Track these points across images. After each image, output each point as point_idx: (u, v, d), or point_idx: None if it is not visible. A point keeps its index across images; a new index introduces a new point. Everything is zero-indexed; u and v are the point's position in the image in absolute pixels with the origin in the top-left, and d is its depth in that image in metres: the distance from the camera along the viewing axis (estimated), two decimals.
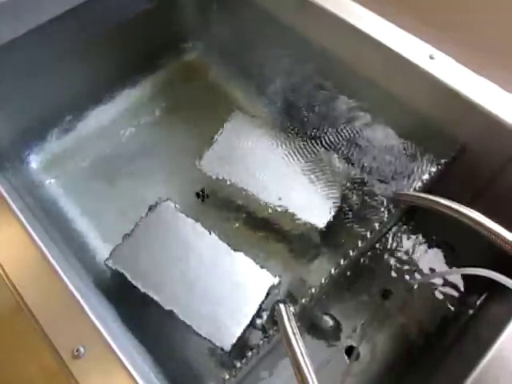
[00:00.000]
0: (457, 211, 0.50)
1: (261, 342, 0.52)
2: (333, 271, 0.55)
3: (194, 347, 0.60)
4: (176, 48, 0.94)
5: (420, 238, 0.76)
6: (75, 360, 0.45)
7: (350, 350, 0.67)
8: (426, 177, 0.61)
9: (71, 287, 0.48)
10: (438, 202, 0.53)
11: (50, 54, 0.75)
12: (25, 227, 0.52)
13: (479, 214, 0.49)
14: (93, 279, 0.66)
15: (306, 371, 0.40)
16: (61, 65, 0.78)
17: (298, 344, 0.43)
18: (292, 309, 0.53)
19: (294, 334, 0.45)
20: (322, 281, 0.55)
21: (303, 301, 0.54)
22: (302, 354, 0.42)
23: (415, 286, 0.60)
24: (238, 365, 0.51)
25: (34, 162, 0.82)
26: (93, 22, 0.78)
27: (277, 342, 0.57)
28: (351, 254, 0.56)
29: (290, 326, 0.46)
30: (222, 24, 0.89)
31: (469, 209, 0.50)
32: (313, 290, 0.54)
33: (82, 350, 0.45)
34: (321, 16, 0.69)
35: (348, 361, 0.66)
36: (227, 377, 0.51)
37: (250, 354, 0.52)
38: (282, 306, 0.52)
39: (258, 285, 0.60)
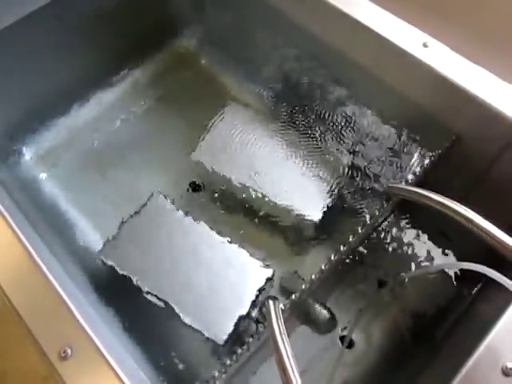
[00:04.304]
0: (448, 207, 0.49)
1: (251, 340, 0.52)
2: (324, 267, 0.55)
3: (185, 343, 0.60)
4: (168, 37, 0.93)
5: (416, 227, 0.75)
6: (62, 361, 0.45)
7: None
8: (418, 169, 0.60)
9: (58, 287, 0.48)
10: (429, 197, 0.52)
11: (38, 46, 0.74)
12: (10, 225, 0.51)
13: (470, 211, 0.48)
14: (86, 274, 0.66)
15: (290, 373, 0.40)
16: (50, 56, 0.77)
17: (285, 345, 0.43)
18: (282, 305, 0.53)
19: (280, 334, 0.44)
20: (313, 277, 0.54)
21: (293, 297, 0.54)
22: (287, 355, 0.42)
23: (406, 280, 0.60)
24: (228, 362, 0.51)
25: (26, 156, 0.81)
26: (82, 10, 0.77)
27: (267, 338, 0.57)
28: (342, 249, 0.56)
29: (278, 326, 0.46)
30: (214, 12, 0.87)
31: (460, 205, 0.49)
32: (303, 286, 0.54)
33: (69, 351, 0.45)
34: (314, 3, 0.67)
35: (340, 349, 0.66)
36: (217, 374, 0.51)
37: (240, 351, 0.52)
38: (271, 303, 0.52)
39: (252, 278, 0.60)
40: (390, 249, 0.73)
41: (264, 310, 0.53)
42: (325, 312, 0.69)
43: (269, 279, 0.60)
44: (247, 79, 0.87)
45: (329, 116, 0.72)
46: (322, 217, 0.66)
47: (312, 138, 0.71)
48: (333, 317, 0.69)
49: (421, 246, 0.74)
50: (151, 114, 0.87)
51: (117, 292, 0.63)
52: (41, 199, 0.77)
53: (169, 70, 0.91)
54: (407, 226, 0.75)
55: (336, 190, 0.67)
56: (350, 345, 0.67)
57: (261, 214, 0.72)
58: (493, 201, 0.58)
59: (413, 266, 0.72)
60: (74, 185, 0.80)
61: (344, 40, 0.68)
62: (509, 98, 0.56)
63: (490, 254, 0.48)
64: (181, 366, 0.59)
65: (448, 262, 0.71)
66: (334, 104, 0.72)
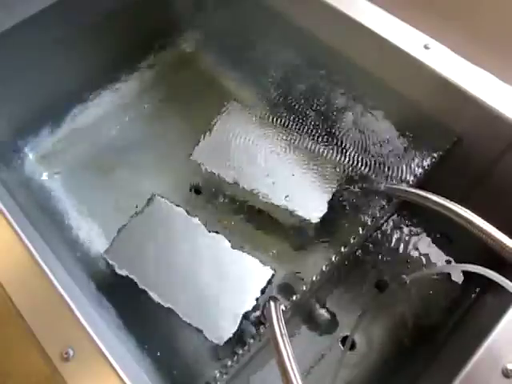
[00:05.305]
0: (447, 208, 0.49)
1: (252, 341, 0.52)
2: (324, 268, 0.55)
3: (186, 344, 0.60)
4: (169, 39, 0.93)
5: (417, 228, 0.75)
6: (64, 362, 0.45)
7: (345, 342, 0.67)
8: (419, 170, 0.60)
9: (60, 288, 0.48)
10: (429, 199, 0.52)
11: (41, 47, 0.74)
12: (12, 226, 0.52)
13: (470, 213, 0.48)
14: (87, 274, 0.66)
15: (291, 374, 0.40)
16: (53, 58, 0.77)
17: (286, 346, 0.43)
18: (283, 306, 0.53)
19: (281, 335, 0.45)
20: (314, 278, 0.55)
21: (294, 298, 0.54)
22: (288, 356, 0.42)
23: (407, 281, 0.60)
24: (229, 363, 0.51)
25: (28, 156, 0.82)
26: (84, 12, 0.77)
27: (269, 339, 0.57)
28: (343, 250, 0.56)
29: (279, 327, 0.46)
30: (216, 14, 0.87)
31: (460, 206, 0.49)
32: (304, 287, 0.54)
33: (71, 352, 0.45)
34: (314, 5, 0.67)
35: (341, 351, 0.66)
36: (218, 375, 0.51)
37: (241, 351, 0.52)
38: (272, 303, 0.52)
39: (253, 279, 0.60)
40: (391, 250, 0.74)
41: (265, 310, 0.53)
42: (326, 313, 0.69)
43: (270, 280, 0.60)
44: (248, 80, 0.87)
45: (329, 117, 0.72)
46: (323, 218, 0.66)
47: (312, 138, 0.71)
48: (334, 318, 0.69)
49: (421, 247, 0.74)
50: (152, 115, 0.87)
51: (118, 293, 0.63)
52: (43, 199, 0.77)
53: (170, 71, 0.92)
54: (408, 227, 0.75)
55: (337, 191, 0.67)
56: (352, 346, 0.67)
57: (261, 215, 0.72)
58: (493, 202, 0.59)
59: (413, 267, 0.72)
60: (76, 185, 0.80)
61: (345, 42, 0.68)
62: (510, 100, 0.56)
63: (491, 255, 0.48)
64: (182, 367, 0.59)
65: (449, 264, 0.71)
66: (335, 105, 0.72)
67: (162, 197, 0.67)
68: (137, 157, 0.82)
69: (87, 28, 0.79)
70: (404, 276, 0.59)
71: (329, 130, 0.71)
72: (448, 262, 0.73)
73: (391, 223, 0.76)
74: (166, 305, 0.59)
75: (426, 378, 0.57)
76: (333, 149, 0.69)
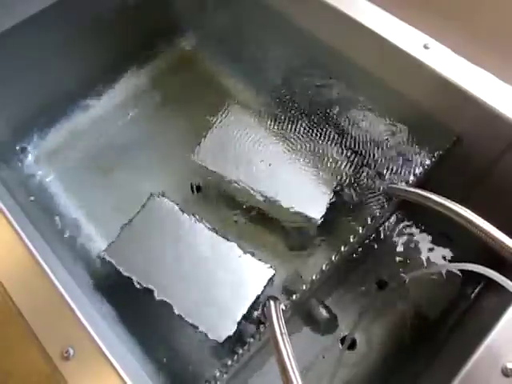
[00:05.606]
0: (448, 208, 0.49)
1: (252, 340, 0.52)
2: (324, 267, 0.55)
3: (186, 343, 0.60)
4: (170, 38, 0.93)
5: (416, 227, 0.76)
6: (65, 361, 0.45)
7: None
8: (419, 169, 0.60)
9: (60, 288, 0.48)
10: (429, 198, 0.52)
11: (42, 47, 0.74)
12: (13, 226, 0.52)
13: (470, 212, 0.48)
14: (88, 274, 0.66)
15: (291, 373, 0.40)
16: (54, 58, 0.77)
17: (286, 345, 0.43)
18: (283, 306, 0.53)
19: (281, 334, 0.45)
20: (314, 277, 0.55)
21: (294, 297, 0.54)
22: (288, 355, 0.42)
23: (407, 280, 0.60)
24: (229, 362, 0.51)
25: (29, 156, 0.82)
26: (84, 12, 0.77)
27: (269, 338, 0.57)
28: (343, 249, 0.56)
29: (279, 326, 0.46)
30: (216, 14, 0.87)
31: (460, 206, 0.49)
32: (304, 287, 0.54)
33: (71, 351, 0.45)
34: (314, 5, 0.67)
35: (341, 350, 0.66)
36: (218, 374, 0.51)
37: (241, 351, 0.52)
38: (272, 303, 0.52)
39: (254, 278, 0.60)
40: (391, 249, 0.74)
41: (265, 310, 0.53)
42: (326, 312, 0.69)
43: (270, 279, 0.60)
44: (248, 80, 0.87)
45: (329, 116, 0.72)
46: (323, 217, 0.66)
47: (312, 138, 0.71)
48: (334, 317, 0.69)
49: (421, 246, 0.74)
50: (152, 115, 0.87)
51: (119, 292, 0.63)
52: (43, 199, 0.77)
53: (170, 71, 0.92)
54: (408, 226, 0.75)
55: (337, 191, 0.67)
56: (352, 345, 0.67)
57: (262, 214, 0.72)
58: (493, 202, 0.59)
59: (413, 266, 0.72)
60: (77, 185, 0.80)
61: (345, 41, 0.68)
62: (510, 100, 0.56)
63: (491, 254, 0.48)
64: (182, 366, 0.59)
65: (448, 263, 0.71)
66: (335, 105, 0.72)
67: (163, 195, 0.67)
68: (137, 157, 0.82)
69: (87, 28, 0.79)
70: (403, 275, 0.59)
71: (329, 128, 0.71)
72: (448, 261, 0.73)
73: (391, 223, 0.76)
74: (165, 303, 0.59)
75: (426, 376, 0.57)
76: (333, 148, 0.69)
